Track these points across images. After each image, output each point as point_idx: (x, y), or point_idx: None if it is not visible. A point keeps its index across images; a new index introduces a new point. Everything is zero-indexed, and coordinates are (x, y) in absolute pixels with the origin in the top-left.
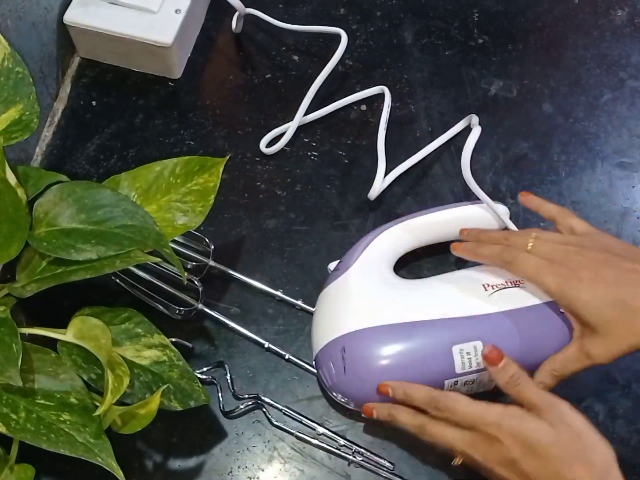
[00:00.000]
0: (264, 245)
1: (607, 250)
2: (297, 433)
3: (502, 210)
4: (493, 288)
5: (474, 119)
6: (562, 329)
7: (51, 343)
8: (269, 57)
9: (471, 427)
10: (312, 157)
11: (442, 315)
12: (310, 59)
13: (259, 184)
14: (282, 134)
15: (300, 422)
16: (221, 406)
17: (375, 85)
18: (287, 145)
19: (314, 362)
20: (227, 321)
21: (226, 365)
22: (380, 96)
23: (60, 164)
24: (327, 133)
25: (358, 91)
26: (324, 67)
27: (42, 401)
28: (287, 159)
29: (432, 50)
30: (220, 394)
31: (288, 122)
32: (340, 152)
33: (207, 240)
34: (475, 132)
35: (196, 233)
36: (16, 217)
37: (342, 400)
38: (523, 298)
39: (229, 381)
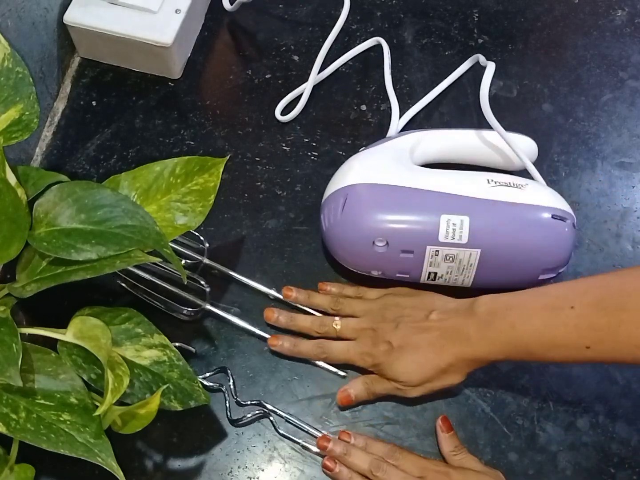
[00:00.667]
0: (264, 245)
1: (400, 312)
2: (303, 443)
3: (528, 145)
4: (495, 183)
5: (481, 58)
6: (549, 232)
7: (51, 343)
8: (269, 57)
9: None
10: (312, 157)
11: (438, 189)
12: (310, 59)
13: (259, 184)
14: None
15: (307, 432)
16: (228, 414)
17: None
18: (287, 145)
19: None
20: (234, 320)
21: (229, 371)
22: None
23: (60, 164)
24: (327, 133)
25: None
26: (324, 69)
27: (42, 401)
28: (287, 159)
29: (432, 50)
30: (227, 402)
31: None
32: (340, 152)
33: (202, 238)
34: (490, 67)
35: (191, 231)
36: (16, 217)
37: (335, 247)
38: (519, 196)
39: (231, 387)
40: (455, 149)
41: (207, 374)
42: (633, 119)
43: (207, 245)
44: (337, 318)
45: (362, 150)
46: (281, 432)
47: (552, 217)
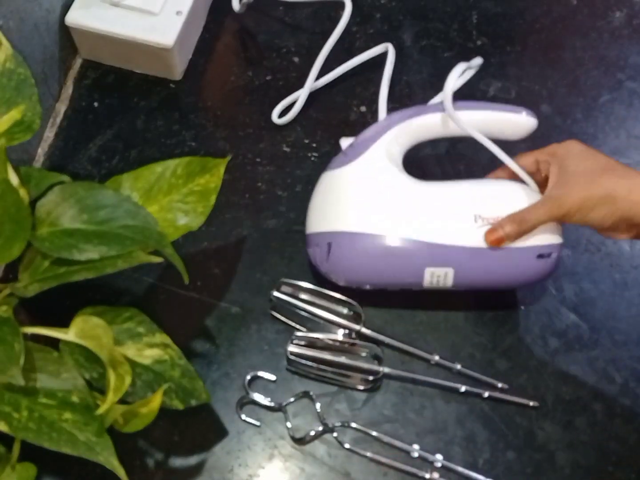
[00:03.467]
0: (264, 245)
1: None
2: (372, 455)
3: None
4: (483, 221)
5: (476, 60)
6: (533, 270)
7: (53, 342)
8: (269, 58)
9: None
10: (312, 158)
11: (425, 239)
12: (310, 60)
13: (259, 184)
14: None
15: (394, 446)
16: (291, 433)
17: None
18: (287, 146)
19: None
20: (413, 376)
21: (312, 395)
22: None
23: (62, 165)
24: (327, 134)
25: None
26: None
27: (44, 400)
28: (287, 160)
29: (431, 51)
30: (288, 422)
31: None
32: None
33: (356, 304)
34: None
35: (346, 299)
36: (19, 217)
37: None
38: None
39: (318, 411)
40: (444, 129)
41: (292, 399)
42: (631, 120)
43: (362, 312)
44: None
45: (343, 150)
46: (347, 447)
47: (537, 256)
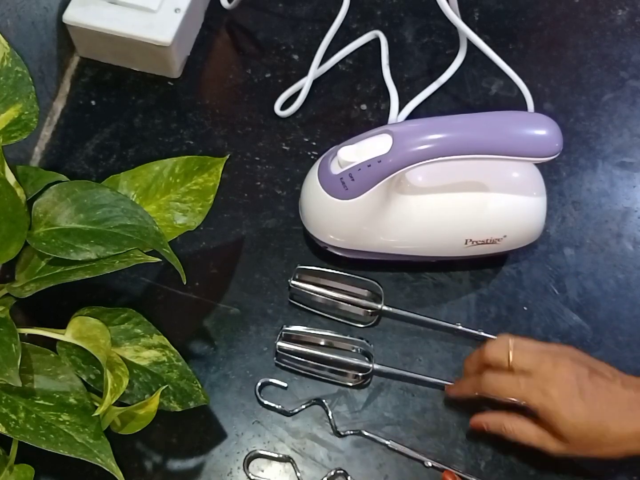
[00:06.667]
0: (263, 245)
1: (581, 361)
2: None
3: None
4: (473, 243)
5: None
6: None
7: (50, 343)
8: (268, 56)
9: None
10: (312, 157)
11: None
12: (310, 58)
13: (258, 183)
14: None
15: (395, 449)
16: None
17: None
18: (287, 145)
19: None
20: (409, 374)
21: (324, 402)
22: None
23: (59, 164)
24: (327, 133)
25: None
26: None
27: (41, 401)
28: (287, 159)
29: (433, 49)
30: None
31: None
32: None
33: (376, 283)
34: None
35: (368, 280)
36: (15, 216)
37: None
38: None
39: (330, 419)
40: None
41: (303, 406)
42: (634, 118)
43: (382, 291)
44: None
45: (339, 184)
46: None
47: None
